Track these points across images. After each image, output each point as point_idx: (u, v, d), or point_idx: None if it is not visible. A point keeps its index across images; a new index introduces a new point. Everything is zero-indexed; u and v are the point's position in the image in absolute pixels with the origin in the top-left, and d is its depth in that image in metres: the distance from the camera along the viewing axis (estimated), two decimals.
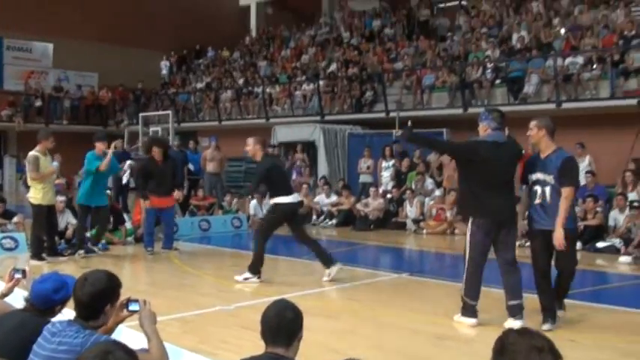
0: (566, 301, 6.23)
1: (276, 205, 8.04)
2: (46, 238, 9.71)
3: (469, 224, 5.85)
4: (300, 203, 9.06)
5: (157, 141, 11.26)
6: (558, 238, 5.55)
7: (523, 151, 6.07)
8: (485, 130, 5.94)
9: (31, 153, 9.49)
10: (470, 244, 5.83)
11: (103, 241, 10.75)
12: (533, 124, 5.89)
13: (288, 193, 8.12)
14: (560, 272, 6.02)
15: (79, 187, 10.52)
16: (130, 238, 11.36)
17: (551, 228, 5.61)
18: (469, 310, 5.93)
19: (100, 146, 10.10)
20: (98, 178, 9.92)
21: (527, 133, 5.92)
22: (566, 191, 5.59)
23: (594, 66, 14.98)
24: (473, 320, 5.92)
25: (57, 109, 26.60)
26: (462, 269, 6.00)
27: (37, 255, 9.48)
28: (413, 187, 14.32)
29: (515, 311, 5.74)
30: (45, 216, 9.49)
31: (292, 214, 8.17)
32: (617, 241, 10.28)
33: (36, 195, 9.39)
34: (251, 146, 8.19)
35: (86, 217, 10.06)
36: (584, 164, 12.18)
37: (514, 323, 5.57)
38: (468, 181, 5.92)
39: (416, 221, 13.39)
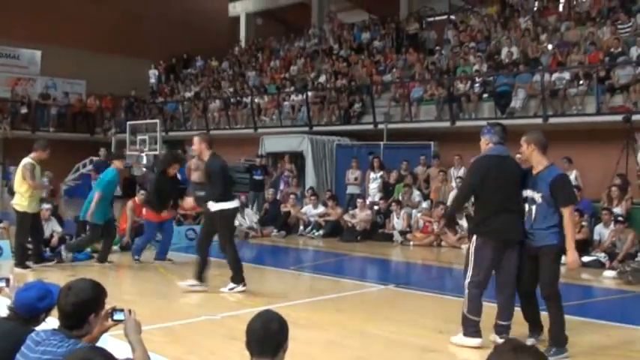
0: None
1: (222, 211, 7.86)
2: (32, 245, 9.67)
3: (473, 240, 5.68)
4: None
5: (178, 158, 11.08)
6: (570, 262, 5.49)
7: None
8: (487, 144, 5.89)
9: (27, 160, 9.56)
10: (474, 261, 5.64)
11: (88, 249, 10.68)
12: (522, 139, 5.73)
13: (232, 197, 8.09)
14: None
15: (86, 204, 10.06)
16: (115, 247, 11.27)
17: (537, 245, 5.51)
18: (472, 328, 5.64)
19: (117, 164, 10.28)
20: (108, 194, 10.02)
21: (519, 150, 5.83)
22: (566, 212, 5.39)
23: (581, 82, 15.12)
24: (478, 340, 5.62)
25: (44, 116, 26.47)
26: (463, 285, 5.74)
27: (21, 263, 9.41)
28: (400, 198, 14.36)
29: (502, 330, 5.67)
30: (30, 223, 9.44)
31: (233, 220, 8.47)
32: (602, 256, 10.35)
33: (22, 202, 9.35)
34: (197, 145, 8.00)
35: (100, 234, 10.04)
36: (570, 179, 12.26)
37: (500, 340, 5.54)
38: (479, 200, 5.80)
39: (403, 233, 13.42)
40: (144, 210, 10.81)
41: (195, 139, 8.08)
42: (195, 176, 15.56)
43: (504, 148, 5.84)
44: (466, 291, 5.65)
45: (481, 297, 5.66)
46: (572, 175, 13.11)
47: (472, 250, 5.67)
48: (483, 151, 5.91)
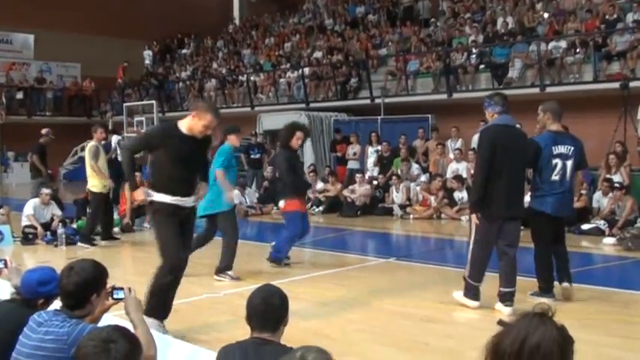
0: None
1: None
2: (101, 224, 10.39)
3: (474, 215, 5.78)
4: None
5: (300, 127, 8.35)
6: None
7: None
8: (492, 116, 5.87)
9: (92, 143, 10.29)
10: (476, 230, 5.77)
11: None
12: (539, 108, 6.15)
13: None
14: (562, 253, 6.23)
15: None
16: (116, 229, 11.30)
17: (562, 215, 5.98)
18: (471, 291, 5.89)
19: (233, 139, 7.85)
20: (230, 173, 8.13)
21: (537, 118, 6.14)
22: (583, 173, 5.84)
23: (577, 50, 15.05)
24: (475, 303, 5.88)
25: (40, 100, 26.38)
26: (466, 253, 5.99)
27: (88, 240, 10.03)
28: (399, 172, 14.36)
29: (507, 298, 5.75)
30: (101, 203, 10.16)
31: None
32: (601, 223, 10.38)
33: (96, 183, 10.01)
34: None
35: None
36: None
37: (504, 309, 5.66)
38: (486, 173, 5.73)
39: (402, 207, 13.43)
40: (281, 202, 8.24)
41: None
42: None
43: (510, 117, 5.85)
44: (469, 256, 5.86)
45: (484, 265, 5.84)
46: None
47: (473, 224, 5.77)
48: (491, 121, 5.89)
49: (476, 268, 5.83)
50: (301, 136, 8.04)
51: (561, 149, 6.05)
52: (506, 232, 5.76)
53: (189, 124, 5.10)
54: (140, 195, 5.17)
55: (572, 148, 6.10)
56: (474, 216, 5.78)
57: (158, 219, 5.14)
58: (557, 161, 6.03)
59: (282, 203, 8.17)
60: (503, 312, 5.64)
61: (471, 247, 5.87)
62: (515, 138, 5.79)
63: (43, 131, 13.04)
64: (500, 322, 2.02)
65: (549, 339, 1.91)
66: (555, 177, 6.04)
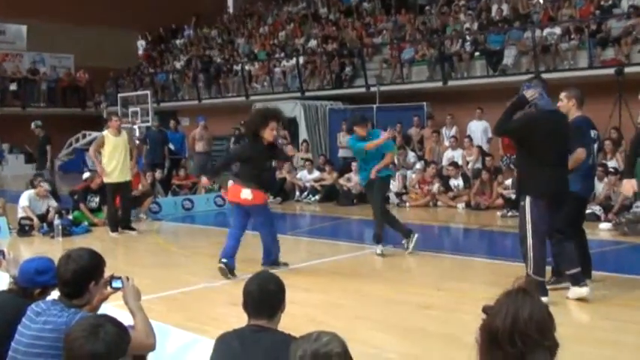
0: (548, 267, 6.25)
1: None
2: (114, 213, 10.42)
3: (527, 201, 5.51)
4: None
5: (274, 114, 7.32)
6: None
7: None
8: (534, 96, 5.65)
9: (103, 132, 10.47)
10: (531, 222, 5.48)
11: (85, 223, 10.71)
12: (563, 95, 6.05)
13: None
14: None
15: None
16: None
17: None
18: (540, 288, 5.46)
19: (359, 130, 8.01)
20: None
21: (557, 104, 5.97)
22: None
23: (572, 36, 15.04)
24: (545, 299, 5.33)
25: (33, 92, 26.26)
26: (521, 248, 5.61)
27: (114, 227, 10.29)
28: (395, 161, 14.35)
29: (579, 279, 5.63)
30: (113, 192, 10.24)
31: None
32: (597, 209, 10.40)
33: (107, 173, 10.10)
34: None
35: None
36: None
37: (580, 291, 5.58)
38: (527, 157, 5.64)
39: (399, 194, 13.45)
40: (246, 192, 7.07)
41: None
42: (199, 146, 15.59)
43: (550, 101, 5.70)
44: (529, 252, 5.49)
45: (545, 256, 5.59)
46: (482, 127, 14.42)
47: (527, 209, 5.50)
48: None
49: (539, 259, 5.52)
50: (275, 126, 6.97)
51: (592, 134, 6.18)
52: (571, 215, 5.78)
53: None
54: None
55: (597, 133, 6.31)
56: (528, 203, 5.50)
57: None
58: (594, 145, 6.17)
59: (247, 193, 6.98)
60: (583, 294, 5.58)
61: (530, 239, 5.49)
62: (558, 121, 5.67)
63: (38, 124, 13.19)
64: (485, 308, 2.04)
65: (539, 308, 1.96)
66: (589, 160, 6.04)
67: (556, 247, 5.73)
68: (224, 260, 6.86)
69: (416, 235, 8.08)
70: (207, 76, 23.00)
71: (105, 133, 10.31)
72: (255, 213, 7.13)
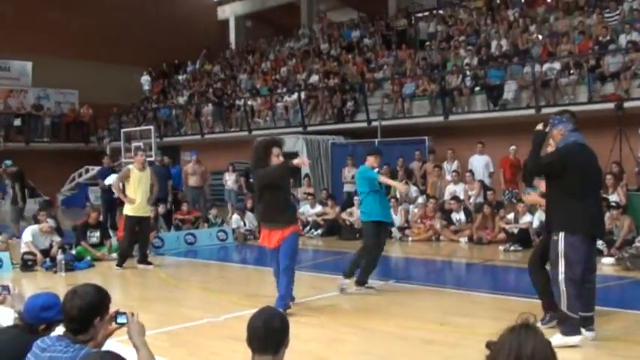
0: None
1: None
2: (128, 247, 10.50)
3: (561, 238, 5.37)
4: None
5: (275, 142, 7.25)
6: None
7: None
8: (561, 134, 5.59)
9: (129, 166, 10.69)
10: (565, 255, 5.34)
11: (88, 258, 10.73)
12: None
13: None
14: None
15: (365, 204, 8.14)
16: (114, 254, 11.29)
17: None
18: (573, 326, 5.36)
19: (371, 160, 8.15)
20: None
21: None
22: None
23: (571, 71, 15.20)
24: (579, 337, 5.36)
25: (37, 127, 26.46)
26: (553, 282, 5.50)
27: (122, 261, 10.33)
28: (397, 195, 14.39)
29: (589, 322, 5.57)
30: (131, 226, 10.28)
31: None
32: (600, 243, 10.36)
33: (127, 206, 10.23)
34: None
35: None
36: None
37: (587, 334, 5.49)
38: (561, 191, 5.48)
39: (401, 229, 13.45)
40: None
41: None
42: (192, 181, 15.64)
43: (581, 135, 5.60)
44: (562, 287, 5.34)
45: (580, 293, 5.41)
46: (484, 161, 14.49)
47: (562, 245, 5.35)
48: (560, 140, 5.59)
49: (573, 296, 5.34)
50: (279, 152, 6.98)
51: None
52: (590, 255, 5.54)
53: None
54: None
55: None
56: (562, 237, 5.37)
57: None
58: None
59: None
60: (588, 337, 5.47)
61: (562, 275, 5.35)
62: (590, 154, 5.58)
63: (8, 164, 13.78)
64: (489, 344, 2.06)
65: (542, 345, 1.96)
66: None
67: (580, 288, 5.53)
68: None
69: (352, 285, 8.02)
70: (219, 110, 23.09)
71: (130, 167, 10.47)
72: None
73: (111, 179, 10.97)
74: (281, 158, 6.91)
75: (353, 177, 15.74)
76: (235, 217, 14.26)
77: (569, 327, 5.35)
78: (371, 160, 8.16)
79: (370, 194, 8.02)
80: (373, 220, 7.95)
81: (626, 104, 13.01)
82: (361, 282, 8.01)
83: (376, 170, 8.09)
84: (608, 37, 15.24)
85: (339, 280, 8.01)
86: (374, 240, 8.01)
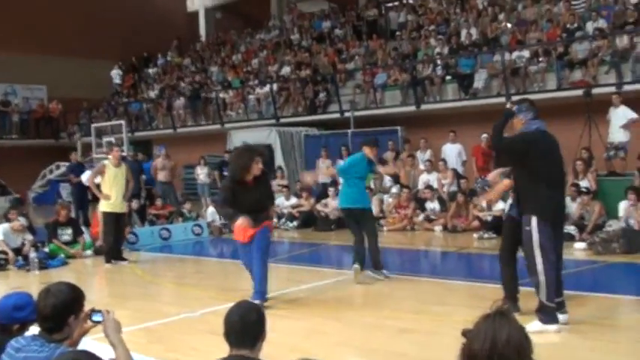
0: (525, 289, 6.26)
1: None
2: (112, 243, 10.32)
3: (533, 223, 5.37)
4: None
5: (257, 152, 7.19)
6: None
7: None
8: (521, 122, 5.63)
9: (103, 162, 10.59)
10: (540, 245, 5.34)
11: (62, 255, 10.60)
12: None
13: None
14: None
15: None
16: (89, 251, 11.19)
17: None
18: (551, 315, 5.43)
19: (367, 151, 8.34)
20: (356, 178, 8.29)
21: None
22: None
23: (540, 59, 15.36)
24: (556, 326, 5.42)
25: (5, 124, 26.04)
26: (531, 277, 5.50)
27: (108, 258, 10.23)
28: (372, 185, 14.43)
29: (563, 306, 5.64)
30: (114, 222, 10.17)
31: None
32: (571, 229, 10.53)
33: (103, 202, 10.14)
34: None
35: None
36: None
37: (561, 317, 5.53)
38: (528, 179, 5.52)
39: (376, 218, 13.48)
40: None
41: None
42: (161, 176, 15.53)
43: (543, 122, 5.66)
44: (541, 278, 5.35)
45: (554, 280, 5.44)
46: (456, 150, 14.73)
47: (534, 232, 5.36)
48: (522, 129, 5.63)
49: (551, 284, 5.39)
50: (260, 160, 6.83)
51: None
52: (557, 241, 5.56)
53: None
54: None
55: None
56: (534, 226, 5.38)
57: None
58: None
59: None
60: (562, 320, 5.51)
61: (540, 265, 5.36)
62: (553, 141, 5.65)
63: None
64: (464, 331, 2.09)
65: (516, 331, 2.01)
66: None
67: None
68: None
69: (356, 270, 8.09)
70: (194, 103, 22.86)
71: (106, 162, 10.35)
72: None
73: (86, 175, 10.85)
74: (260, 166, 6.82)
75: (327, 168, 15.80)
76: (211, 210, 14.18)
77: (548, 315, 5.41)
78: (367, 151, 8.33)
79: (362, 181, 8.36)
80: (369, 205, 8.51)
81: (594, 90, 13.17)
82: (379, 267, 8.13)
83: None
84: (575, 25, 15.41)
85: (377, 277, 8.00)
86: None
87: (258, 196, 6.87)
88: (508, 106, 5.81)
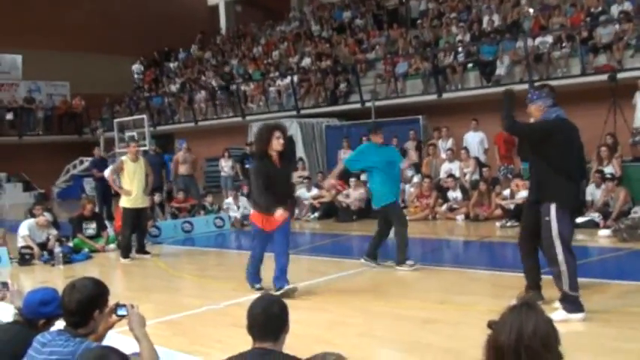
0: (548, 277, 6.18)
1: None
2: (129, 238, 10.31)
3: (552, 212, 5.28)
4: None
5: (277, 126, 7.17)
6: None
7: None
8: (541, 110, 5.50)
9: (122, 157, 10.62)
10: (560, 233, 5.27)
11: (86, 250, 10.72)
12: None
13: None
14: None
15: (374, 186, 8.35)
16: (112, 245, 11.29)
17: None
18: (576, 304, 5.34)
19: (376, 138, 8.29)
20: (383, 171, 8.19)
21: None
22: None
23: (564, 44, 15.16)
24: (582, 314, 5.33)
25: (30, 120, 26.35)
26: (552, 268, 5.40)
27: (125, 253, 10.16)
28: None
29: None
30: (130, 217, 10.14)
31: None
32: (595, 216, 10.42)
33: (123, 198, 10.14)
34: None
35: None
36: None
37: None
38: (548, 167, 5.40)
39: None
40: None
41: None
42: (182, 169, 15.60)
43: (562, 110, 5.53)
44: (563, 268, 5.27)
45: (576, 268, 5.35)
46: (478, 138, 14.67)
47: (553, 222, 5.29)
48: (541, 117, 5.50)
49: (573, 274, 5.30)
50: (280, 135, 6.83)
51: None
52: (572, 230, 5.54)
53: None
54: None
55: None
56: (553, 215, 5.28)
57: None
58: None
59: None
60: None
61: (561, 254, 5.27)
62: (572, 129, 5.51)
63: None
64: (490, 323, 2.07)
65: (543, 323, 1.98)
66: None
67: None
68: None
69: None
70: (227, 95, 22.85)
71: (124, 158, 10.35)
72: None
73: (108, 171, 10.94)
74: (281, 141, 6.84)
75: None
76: (228, 200, 14.28)
77: (573, 304, 5.33)
78: (375, 138, 8.27)
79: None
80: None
81: (620, 75, 12.98)
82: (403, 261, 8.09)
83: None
84: (599, 8, 15.18)
85: (404, 268, 8.01)
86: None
87: (288, 176, 7.06)
88: (509, 88, 5.68)
